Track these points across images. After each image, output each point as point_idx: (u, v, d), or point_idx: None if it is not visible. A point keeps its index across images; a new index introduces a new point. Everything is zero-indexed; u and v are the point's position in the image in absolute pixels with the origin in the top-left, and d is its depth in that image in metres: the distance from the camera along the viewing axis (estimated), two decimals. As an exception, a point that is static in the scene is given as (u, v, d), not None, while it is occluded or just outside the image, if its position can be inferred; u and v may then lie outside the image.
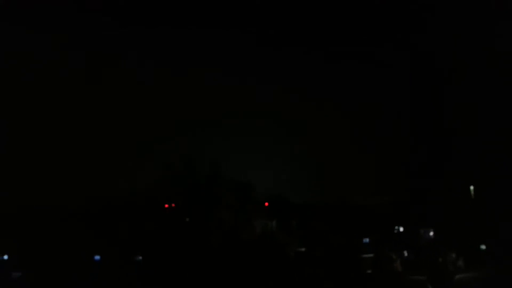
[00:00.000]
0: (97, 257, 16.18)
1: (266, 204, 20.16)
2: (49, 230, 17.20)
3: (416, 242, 18.07)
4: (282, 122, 21.71)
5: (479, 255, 16.69)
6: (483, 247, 17.13)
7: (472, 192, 18.99)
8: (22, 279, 14.75)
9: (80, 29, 21.02)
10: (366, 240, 17.39)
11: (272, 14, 20.67)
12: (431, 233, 18.92)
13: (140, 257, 15.11)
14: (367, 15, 20.64)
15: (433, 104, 21.86)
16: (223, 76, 21.64)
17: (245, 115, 21.52)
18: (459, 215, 18.60)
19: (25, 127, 20.24)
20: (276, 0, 20.36)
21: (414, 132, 22.75)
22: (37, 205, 18.53)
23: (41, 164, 20.22)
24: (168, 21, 20.52)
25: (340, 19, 20.89)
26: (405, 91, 22.51)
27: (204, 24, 20.92)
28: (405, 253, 16.96)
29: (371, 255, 16.05)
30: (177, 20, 20.70)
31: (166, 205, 19.66)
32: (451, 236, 17.32)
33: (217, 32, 21.37)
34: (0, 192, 18.79)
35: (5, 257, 15.30)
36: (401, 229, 18.25)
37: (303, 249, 16.65)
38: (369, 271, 15.33)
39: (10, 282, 14.68)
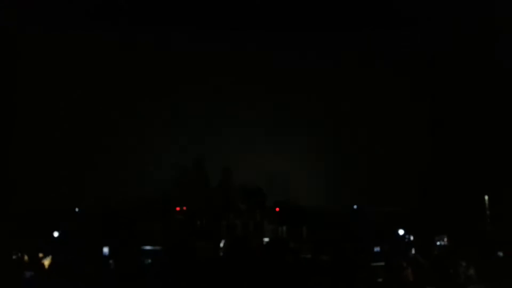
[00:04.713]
0: (109, 261, 16.30)
1: (277, 209, 20.14)
2: (62, 232, 17.46)
3: (428, 251, 17.80)
4: (295, 125, 21.57)
5: (495, 264, 16.30)
6: (500, 254, 16.72)
7: (487, 202, 18.69)
8: (35, 279, 14.83)
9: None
10: (377, 248, 17.24)
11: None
12: (445, 242, 18.63)
13: (150, 260, 15.13)
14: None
15: (446, 109, 21.50)
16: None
17: (256, 114, 21.26)
18: (473, 225, 18.33)
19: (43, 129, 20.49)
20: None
21: (427, 139, 22.48)
22: (50, 206, 18.86)
23: (51, 166, 20.51)
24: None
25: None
26: (414, 95, 22.18)
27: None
28: (417, 262, 16.61)
29: (381, 263, 15.81)
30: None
31: (178, 208, 19.81)
32: (464, 245, 17.05)
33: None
34: (14, 193, 19.24)
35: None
36: (411, 237, 18.06)
37: (313, 256, 16.50)
38: (379, 280, 15.08)
39: (23, 282, 14.75)
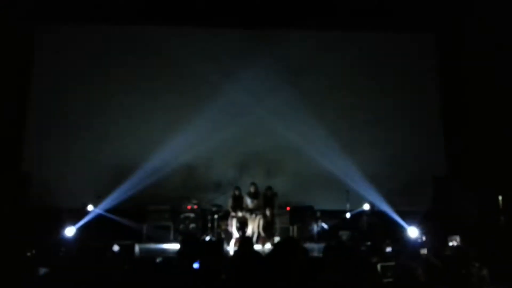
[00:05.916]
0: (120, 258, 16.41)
1: (288, 208, 20.09)
2: (75, 229, 17.64)
3: (441, 251, 17.61)
4: (308, 122, 21.41)
5: (508, 265, 16.04)
6: None
7: (501, 203, 18.47)
8: (49, 276, 15.00)
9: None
10: (389, 249, 17.10)
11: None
12: (458, 242, 18.40)
13: (161, 259, 15.28)
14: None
15: (463, 106, 21.25)
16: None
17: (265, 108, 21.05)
18: (486, 226, 18.10)
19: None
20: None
21: (441, 137, 22.27)
22: (62, 204, 19.08)
23: (64, 164, 20.77)
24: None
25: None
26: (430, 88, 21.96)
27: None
28: (429, 262, 16.40)
29: (392, 263, 15.69)
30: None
31: (189, 207, 19.85)
32: (478, 246, 16.83)
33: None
34: (28, 191, 19.56)
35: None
36: (424, 237, 17.88)
37: (324, 255, 16.38)
38: (390, 280, 14.95)
39: (37, 278, 14.95)
